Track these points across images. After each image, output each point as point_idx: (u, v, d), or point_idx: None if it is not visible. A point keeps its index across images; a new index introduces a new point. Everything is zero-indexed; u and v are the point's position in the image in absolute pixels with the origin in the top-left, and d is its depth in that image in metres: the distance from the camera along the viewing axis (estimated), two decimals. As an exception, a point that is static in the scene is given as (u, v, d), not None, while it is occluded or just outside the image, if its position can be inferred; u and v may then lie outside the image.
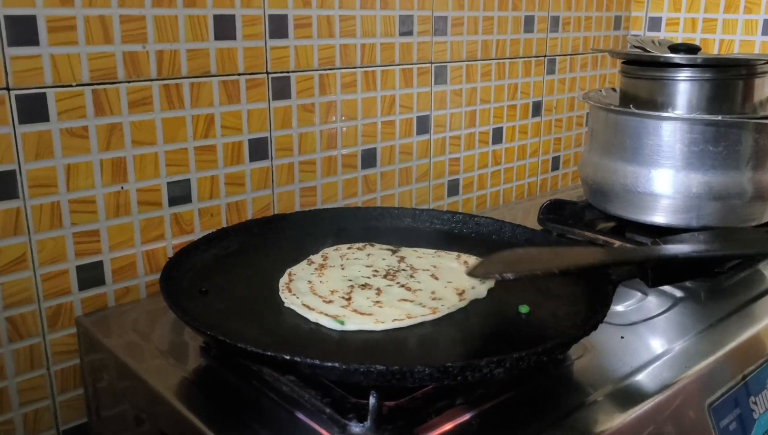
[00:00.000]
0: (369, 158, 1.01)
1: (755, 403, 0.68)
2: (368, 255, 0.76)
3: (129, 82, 0.76)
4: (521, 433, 0.54)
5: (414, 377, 0.49)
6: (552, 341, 0.54)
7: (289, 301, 0.66)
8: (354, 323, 0.62)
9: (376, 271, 0.72)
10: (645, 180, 0.89)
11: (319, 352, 0.58)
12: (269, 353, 0.51)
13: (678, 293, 0.79)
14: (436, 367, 0.49)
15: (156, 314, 0.76)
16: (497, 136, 1.19)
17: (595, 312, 0.60)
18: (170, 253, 0.83)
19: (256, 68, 0.86)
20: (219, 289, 0.68)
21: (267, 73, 0.87)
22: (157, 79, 0.78)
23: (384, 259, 0.75)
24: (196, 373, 0.65)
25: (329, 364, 0.49)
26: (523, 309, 0.65)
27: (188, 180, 0.83)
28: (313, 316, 0.63)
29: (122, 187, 0.78)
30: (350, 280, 0.70)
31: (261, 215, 0.90)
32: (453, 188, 1.14)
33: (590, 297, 0.65)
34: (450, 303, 0.65)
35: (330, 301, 0.66)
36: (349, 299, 0.66)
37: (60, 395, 0.78)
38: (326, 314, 0.63)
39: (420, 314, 0.63)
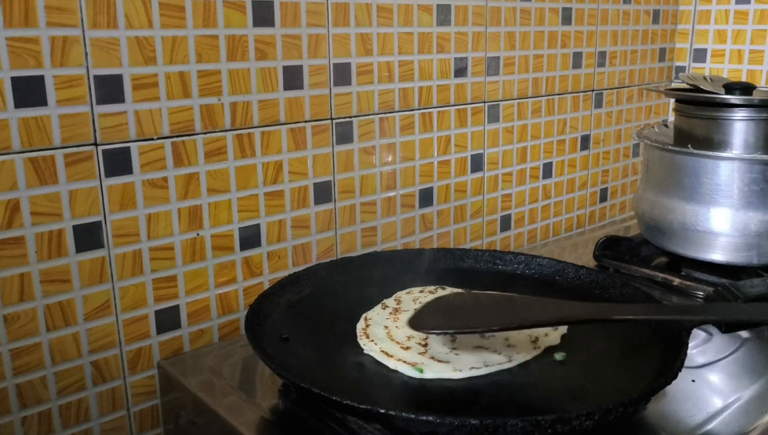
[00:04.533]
0: (426, 197, 1.03)
1: (830, 446, 0.68)
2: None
3: (205, 133, 0.79)
4: (606, 482, 0.56)
5: (506, 430, 0.51)
6: (637, 392, 0.55)
7: (368, 347, 0.68)
8: (433, 371, 0.64)
9: (450, 317, 0.74)
10: (704, 218, 0.90)
11: (401, 401, 0.60)
12: (364, 406, 0.53)
13: (744, 334, 0.79)
14: (528, 421, 0.51)
15: (230, 356, 0.78)
16: (547, 170, 1.21)
17: (672, 359, 0.61)
18: (241, 296, 0.86)
19: (321, 115, 0.88)
20: (299, 336, 0.71)
21: (331, 119, 0.90)
22: (231, 130, 0.81)
23: (456, 305, 0.77)
24: (275, 414, 0.67)
25: (424, 417, 0.51)
26: (559, 356, 0.67)
27: (258, 224, 0.86)
28: (392, 364, 0.65)
29: (198, 234, 0.81)
30: (426, 327, 0.72)
31: (325, 256, 0.93)
32: (505, 223, 1.16)
33: (663, 343, 0.66)
34: (524, 350, 0.67)
35: (407, 348, 0.68)
36: (425, 346, 0.68)
37: (138, 435, 0.81)
38: (405, 362, 0.65)
39: (496, 363, 0.65)
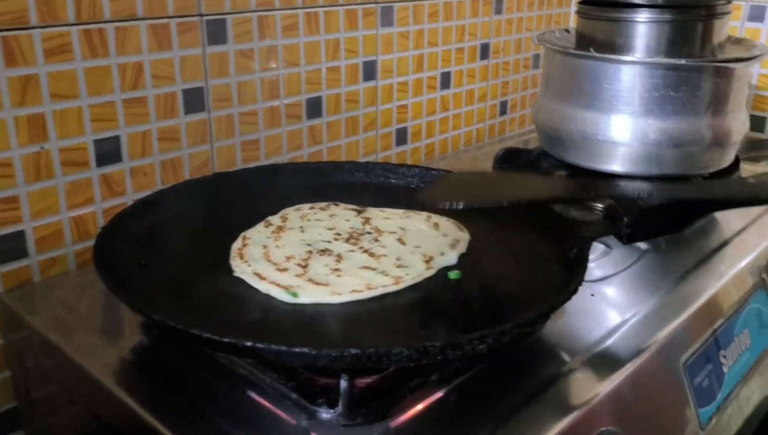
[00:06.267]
0: (314, 107, 0.94)
1: (725, 356, 0.67)
2: (331, 216, 0.70)
3: (44, 27, 0.66)
4: (502, 407, 0.51)
5: (391, 359, 0.45)
6: (534, 311, 0.50)
7: (240, 269, 0.60)
8: (308, 295, 0.56)
9: (338, 234, 0.67)
10: (604, 127, 0.86)
11: (272, 331, 0.53)
12: (227, 340, 0.45)
13: (642, 246, 0.77)
14: (415, 348, 0.45)
15: (87, 287, 0.69)
16: (445, 80, 1.14)
17: (573, 274, 0.56)
18: (100, 218, 0.75)
19: (187, 10, 0.77)
20: (161, 261, 0.62)
21: (200, 15, 0.78)
22: (76, 24, 0.68)
23: (348, 221, 0.69)
24: (135, 353, 0.59)
25: (297, 349, 0.44)
26: (453, 275, 0.61)
27: (117, 136, 0.75)
28: (263, 287, 0.58)
29: (42, 147, 0.69)
30: (309, 245, 0.64)
31: (199, 172, 0.83)
32: (401, 137, 1.09)
33: (563, 256, 0.62)
34: (416, 272, 0.60)
35: (284, 269, 0.60)
36: (305, 267, 0.61)
37: (-17, 379, 0.70)
38: (278, 285, 0.58)
39: (381, 285, 0.58)
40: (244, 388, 0.52)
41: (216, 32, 0.80)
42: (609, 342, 0.59)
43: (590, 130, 0.87)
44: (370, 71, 1.00)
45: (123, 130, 0.75)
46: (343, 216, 0.71)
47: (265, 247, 0.64)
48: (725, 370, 0.67)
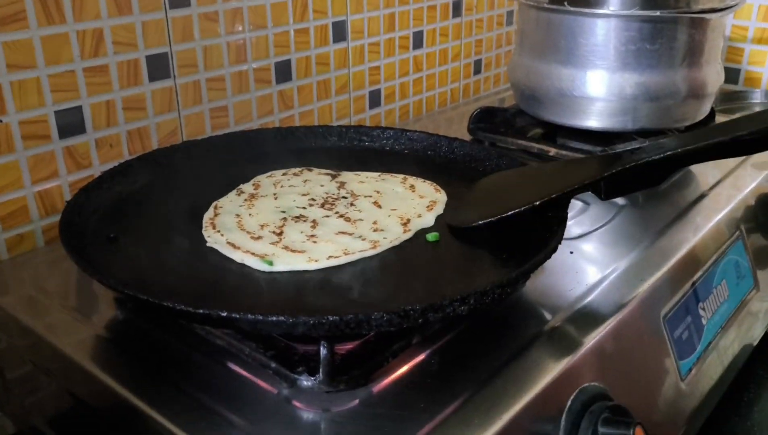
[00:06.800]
0: (284, 71, 0.91)
1: (703, 309, 0.67)
2: (305, 181, 0.69)
3: (-6, -8, 0.63)
4: (485, 367, 0.50)
5: (371, 325, 0.44)
6: (514, 270, 0.49)
7: (213, 239, 0.59)
8: (284, 263, 0.55)
9: (313, 199, 0.65)
10: (580, 83, 0.85)
11: (249, 301, 0.51)
12: (201, 311, 0.44)
13: (620, 202, 0.76)
14: (395, 312, 0.44)
15: (58, 263, 0.67)
16: (418, 40, 1.11)
17: (552, 232, 0.55)
18: (67, 192, 0.73)
19: (147, -28, 0.74)
20: (130, 233, 0.60)
21: (161, -23, 0.75)
22: (29, -11, 0.65)
23: (322, 186, 0.68)
24: (110, 329, 0.57)
25: (274, 318, 0.43)
26: (431, 237, 0.60)
27: (79, 107, 0.72)
28: (238, 256, 0.56)
29: (0, 121, 0.66)
30: (283, 212, 0.63)
31: (168, 142, 0.80)
32: (374, 99, 1.07)
33: (541, 216, 0.61)
34: (393, 235, 0.59)
35: (258, 238, 0.59)
36: (280, 234, 0.59)
37: (-46, 361, 0.68)
38: (253, 253, 0.56)
39: (359, 250, 0.57)
40: (222, 359, 0.51)
41: (178, -5, 0.77)
42: (589, 298, 0.59)
43: (567, 86, 0.86)
44: (340, 32, 0.97)
45: (85, 100, 0.72)
46: (318, 181, 0.70)
47: (238, 215, 0.63)
48: (704, 322, 0.67)
